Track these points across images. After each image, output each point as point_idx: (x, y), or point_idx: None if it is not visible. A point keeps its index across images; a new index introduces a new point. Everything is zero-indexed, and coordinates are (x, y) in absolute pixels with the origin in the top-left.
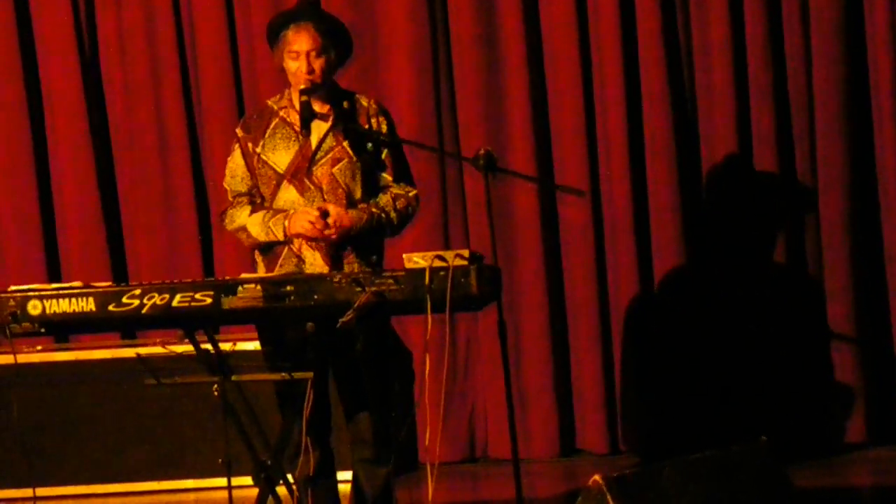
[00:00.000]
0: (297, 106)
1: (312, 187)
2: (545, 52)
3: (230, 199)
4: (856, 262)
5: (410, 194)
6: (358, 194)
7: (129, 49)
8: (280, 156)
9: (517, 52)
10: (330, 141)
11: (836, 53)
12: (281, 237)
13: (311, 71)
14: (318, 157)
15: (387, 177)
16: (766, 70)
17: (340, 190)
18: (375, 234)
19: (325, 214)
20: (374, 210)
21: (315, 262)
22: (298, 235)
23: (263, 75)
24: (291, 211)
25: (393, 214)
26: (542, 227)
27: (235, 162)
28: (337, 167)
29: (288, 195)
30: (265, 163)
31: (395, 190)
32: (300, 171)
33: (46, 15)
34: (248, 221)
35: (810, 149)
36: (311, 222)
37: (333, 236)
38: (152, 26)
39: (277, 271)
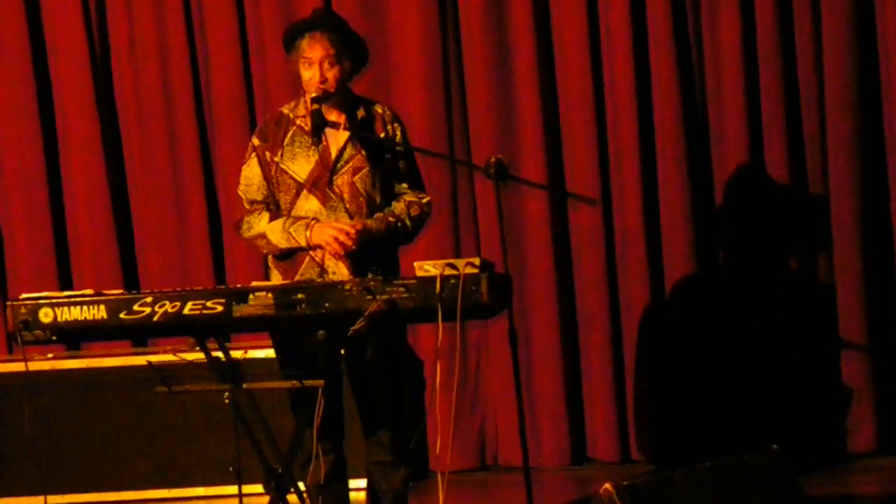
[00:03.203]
0: None
1: (334, 197)
2: (556, 59)
3: (246, 206)
4: (867, 269)
5: (423, 201)
6: (378, 201)
7: (141, 58)
8: (300, 165)
9: (528, 60)
10: (350, 150)
11: (847, 58)
12: (303, 244)
13: (323, 80)
14: (338, 166)
15: (402, 185)
16: (777, 75)
17: (361, 198)
18: (392, 242)
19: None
20: (390, 219)
21: (339, 273)
22: (319, 247)
23: (275, 84)
24: (313, 220)
25: (408, 222)
26: (553, 234)
27: (252, 171)
28: (357, 176)
29: (309, 205)
30: (284, 172)
31: (409, 197)
32: (321, 181)
33: (59, 26)
34: (267, 228)
35: (821, 154)
36: (335, 237)
37: (353, 247)
38: (164, 36)
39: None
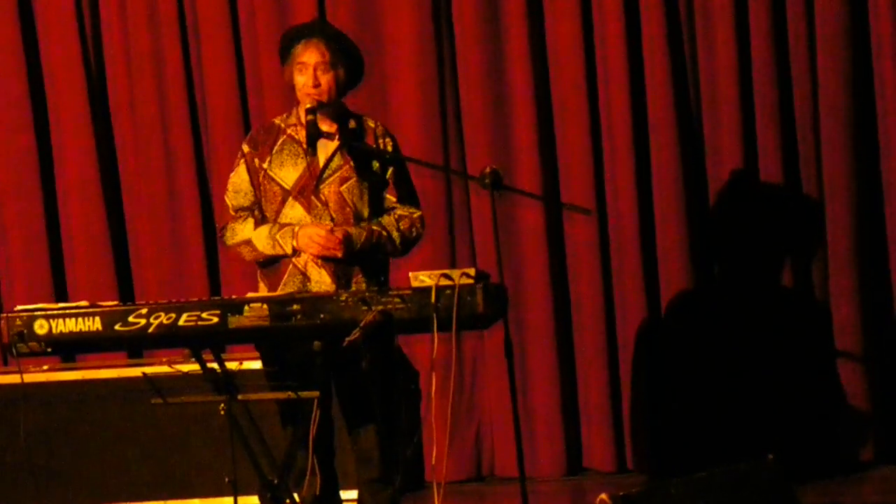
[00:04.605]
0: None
1: (319, 205)
2: (551, 69)
3: (231, 213)
4: (862, 276)
5: (415, 216)
6: (365, 213)
7: (136, 70)
8: (287, 172)
9: (523, 70)
10: (338, 160)
11: (841, 66)
12: (289, 251)
13: (317, 84)
14: (325, 175)
15: (391, 198)
16: (771, 84)
17: (348, 209)
18: (378, 253)
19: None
20: (374, 228)
21: (321, 281)
22: (305, 251)
23: (270, 93)
24: (297, 227)
25: (395, 234)
26: (548, 245)
27: (240, 177)
28: (345, 186)
29: (294, 212)
30: (271, 179)
31: (400, 211)
32: (307, 189)
33: (53, 37)
34: (253, 235)
35: (816, 163)
36: (318, 241)
37: (339, 254)
38: (158, 47)
39: (281, 290)
